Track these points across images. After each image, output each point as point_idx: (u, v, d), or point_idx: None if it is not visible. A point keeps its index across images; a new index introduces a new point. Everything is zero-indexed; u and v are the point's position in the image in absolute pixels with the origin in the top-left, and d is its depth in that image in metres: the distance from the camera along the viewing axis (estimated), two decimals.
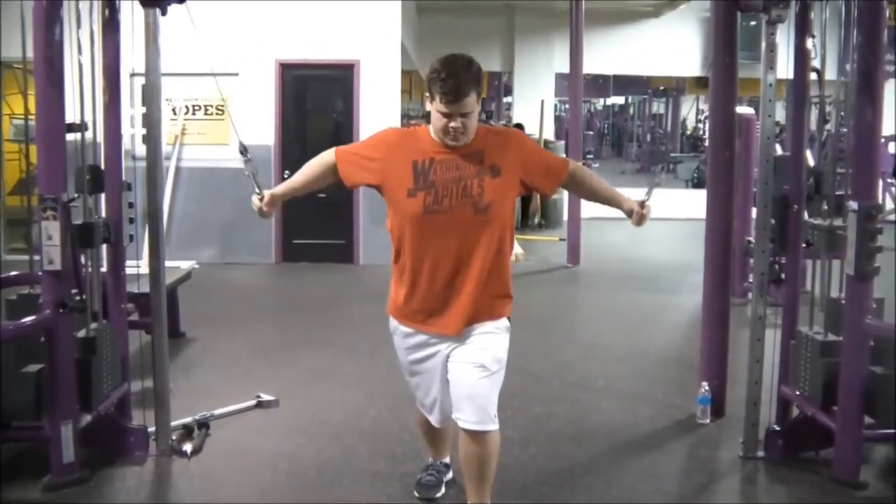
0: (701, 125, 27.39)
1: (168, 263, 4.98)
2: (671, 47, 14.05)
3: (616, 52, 13.92)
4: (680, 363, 6.18)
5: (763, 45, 4.23)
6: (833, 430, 4.16)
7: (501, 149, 3.25)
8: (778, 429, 4.46)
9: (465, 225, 3.19)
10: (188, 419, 4.63)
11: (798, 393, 4.44)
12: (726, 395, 5.02)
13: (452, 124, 3.09)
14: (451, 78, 3.04)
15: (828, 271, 4.39)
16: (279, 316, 7.75)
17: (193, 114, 9.77)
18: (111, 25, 4.19)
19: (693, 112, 27.18)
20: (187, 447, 4.33)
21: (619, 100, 29.68)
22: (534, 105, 14.08)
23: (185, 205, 9.65)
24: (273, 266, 9.92)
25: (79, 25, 3.96)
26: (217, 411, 4.86)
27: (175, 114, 9.65)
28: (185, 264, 6.89)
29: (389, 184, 3.22)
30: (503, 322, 3.35)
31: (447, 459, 3.95)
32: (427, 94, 3.20)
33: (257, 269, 9.70)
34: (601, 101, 29.27)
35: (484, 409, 3.24)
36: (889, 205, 11.71)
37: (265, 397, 5.12)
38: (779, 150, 9.62)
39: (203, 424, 4.61)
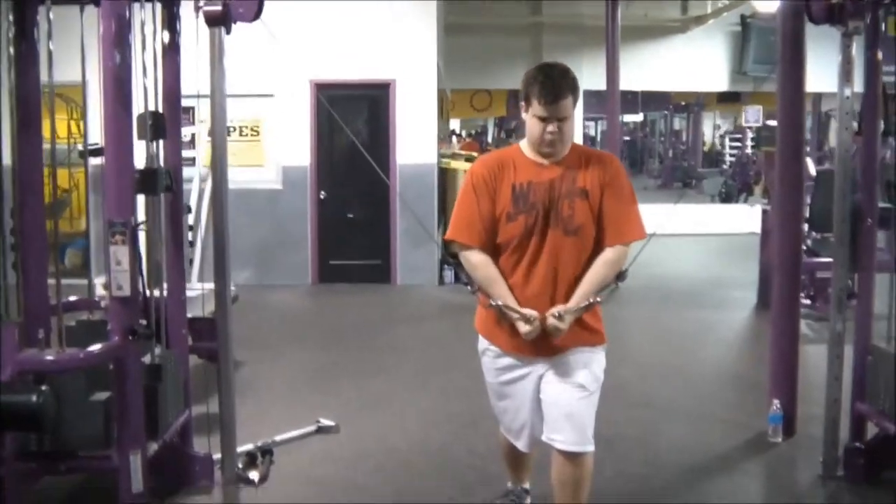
0: (718, 141, 27.33)
1: (209, 286, 4.90)
2: (698, 62, 13.99)
3: (643, 68, 13.83)
4: (739, 381, 6.07)
5: (840, 57, 4.13)
6: None
7: (595, 172, 3.19)
8: (858, 447, 4.34)
9: (557, 247, 3.15)
10: (250, 446, 4.53)
11: (878, 410, 4.32)
12: (797, 413, 4.90)
13: (550, 128, 3.07)
14: (549, 80, 3.06)
15: None
16: (323, 339, 7.65)
17: (229, 135, 9.71)
18: (172, 47, 4.14)
19: (714, 128, 27.13)
20: (254, 475, 4.22)
21: (637, 117, 29.64)
22: None
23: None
24: (310, 287, 9.85)
25: (143, 47, 3.90)
26: (278, 437, 4.77)
27: (211, 135, 9.61)
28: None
29: (497, 209, 3.20)
30: (599, 343, 3.29)
31: (527, 485, 3.85)
32: (522, 102, 3.18)
33: (294, 290, 9.63)
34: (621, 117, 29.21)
35: (583, 429, 3.18)
36: None
37: (325, 423, 5.03)
38: (810, 165, 9.60)
39: (266, 451, 4.50)
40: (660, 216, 4.31)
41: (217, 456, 4.25)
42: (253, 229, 9.52)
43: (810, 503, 4.16)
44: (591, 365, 3.24)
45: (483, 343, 3.38)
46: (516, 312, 3.13)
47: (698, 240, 12.02)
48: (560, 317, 3.10)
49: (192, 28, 3.96)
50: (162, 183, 3.98)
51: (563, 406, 3.19)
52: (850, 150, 4.23)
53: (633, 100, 20.47)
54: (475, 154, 11.81)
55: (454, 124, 19.98)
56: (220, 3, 3.87)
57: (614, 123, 10.31)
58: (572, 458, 3.19)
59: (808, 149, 9.37)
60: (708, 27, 13.59)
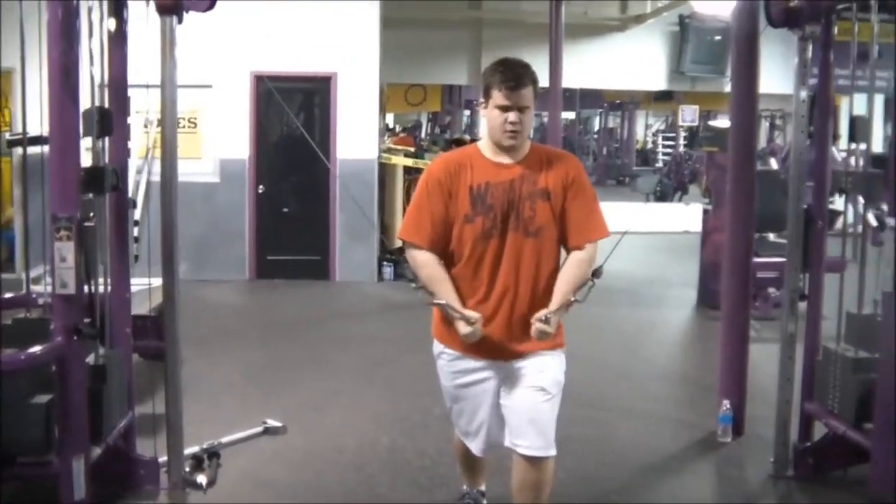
0: (651, 139, 27.71)
1: (138, 281, 4.75)
2: (637, 61, 14.09)
3: (583, 65, 13.88)
4: (686, 380, 6.12)
5: (796, 60, 4.16)
6: (866, 448, 4.10)
7: (555, 172, 3.16)
8: (808, 447, 4.40)
9: (519, 248, 3.12)
10: (196, 448, 4.39)
11: (827, 410, 4.38)
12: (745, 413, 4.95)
13: (511, 117, 3.04)
14: (510, 70, 3.05)
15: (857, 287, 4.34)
16: (264, 336, 7.49)
17: None
18: (119, 35, 3.98)
19: (645, 127, 27.51)
20: (201, 479, 4.08)
21: (571, 114, 29.91)
22: None
23: (155, 219, 9.32)
24: (248, 283, 9.65)
25: (90, 35, 3.73)
26: (224, 439, 4.64)
27: (146, 126, 9.35)
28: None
29: (451, 211, 3.15)
30: (559, 346, 3.25)
31: (483, 487, 3.80)
32: (482, 99, 3.16)
33: (232, 286, 9.42)
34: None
35: (546, 434, 3.15)
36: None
37: (272, 423, 4.91)
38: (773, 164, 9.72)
39: (213, 454, 4.36)
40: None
41: (163, 459, 4.12)
42: (189, 223, 9.20)
43: (762, 503, 4.19)
44: (551, 368, 3.20)
45: (438, 346, 3.32)
46: (458, 313, 3.09)
47: (635, 238, 12.10)
48: (546, 320, 3.06)
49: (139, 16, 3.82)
50: (108, 182, 3.83)
51: (526, 411, 3.15)
52: (804, 151, 4.26)
53: (571, 97, 20.64)
54: (411, 149, 11.74)
55: (387, 119, 19.84)
56: None
57: (556, 120, 10.35)
58: (535, 462, 3.16)
59: None
60: (647, 26, 13.71)
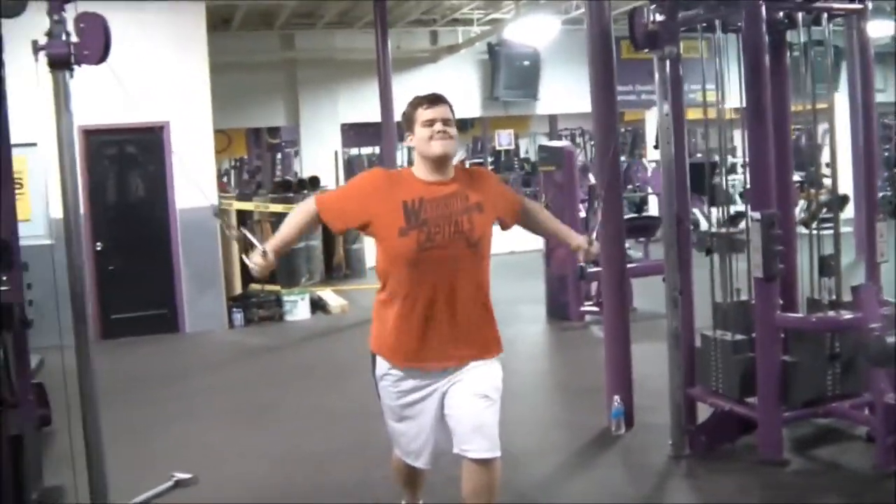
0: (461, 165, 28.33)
1: None
2: (451, 90, 14.43)
3: (397, 99, 14.19)
4: (563, 387, 6.45)
5: (657, 78, 4.58)
6: (752, 418, 4.55)
7: (479, 185, 3.40)
8: (700, 426, 4.81)
9: (458, 260, 3.28)
10: None
11: (711, 391, 4.80)
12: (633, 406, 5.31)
13: (438, 127, 3.26)
14: (428, 93, 3.37)
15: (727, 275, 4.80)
16: (132, 396, 7.18)
17: None
18: None
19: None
20: None
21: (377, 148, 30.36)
22: (323, 157, 14.08)
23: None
24: (94, 345, 9.16)
25: None
26: (135, 500, 4.50)
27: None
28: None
29: (378, 224, 3.27)
30: (495, 352, 3.46)
31: (422, 502, 3.92)
32: (408, 132, 3.37)
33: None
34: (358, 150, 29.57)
35: (492, 437, 3.32)
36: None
37: (182, 476, 4.80)
38: (591, 178, 10.30)
39: None
40: None
41: None
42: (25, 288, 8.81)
43: (672, 480, 4.55)
44: (491, 376, 3.39)
45: (383, 367, 3.40)
46: (257, 246, 3.24)
47: None
48: (592, 242, 3.58)
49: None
50: (18, 318, 3.72)
51: (472, 417, 3.31)
52: (671, 161, 4.68)
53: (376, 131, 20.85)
54: (230, 193, 11.55)
55: None
56: (66, 44, 3.66)
57: (390, 152, 10.58)
58: (485, 464, 3.31)
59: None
60: (459, 56, 14.21)
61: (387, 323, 3.35)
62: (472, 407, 3.31)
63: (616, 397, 5.19)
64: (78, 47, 3.70)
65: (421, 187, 3.29)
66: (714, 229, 5.09)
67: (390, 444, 3.62)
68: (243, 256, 3.26)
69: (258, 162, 23.95)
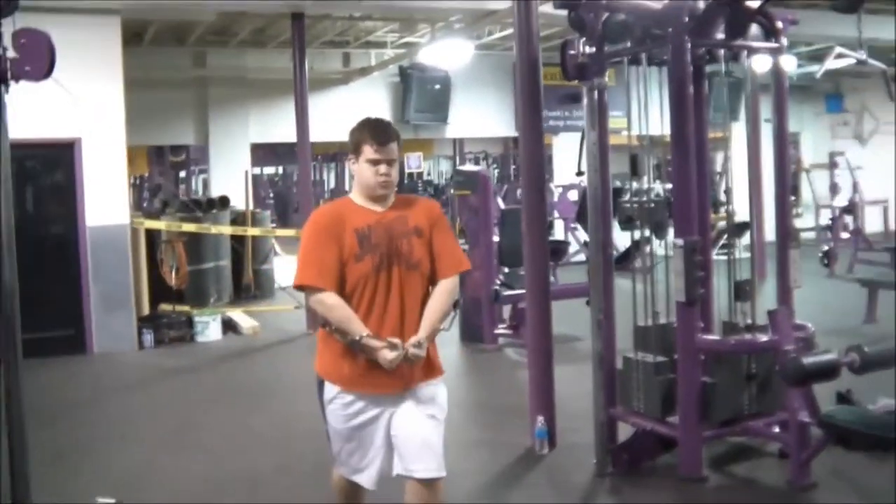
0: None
1: None
2: (362, 112, 14.46)
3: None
4: (484, 407, 6.55)
5: (585, 105, 4.76)
6: (673, 437, 4.74)
7: (419, 213, 3.51)
8: (623, 444, 4.97)
9: (403, 281, 3.40)
10: None
11: (633, 411, 4.97)
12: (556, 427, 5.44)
13: (382, 170, 3.36)
14: (379, 126, 3.44)
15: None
16: (47, 419, 6.88)
17: None
18: None
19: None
20: None
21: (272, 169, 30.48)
22: (233, 176, 13.90)
23: None
24: None
25: None
26: None
27: None
28: None
29: (343, 254, 3.36)
30: (440, 374, 3.55)
31: None
32: (351, 155, 3.46)
33: None
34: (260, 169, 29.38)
35: (439, 456, 3.41)
36: (574, 246, 13.03)
37: (106, 500, 4.71)
38: (500, 203, 10.50)
39: None
40: None
41: None
42: None
43: (599, 497, 4.69)
44: (438, 397, 3.50)
45: (331, 391, 3.44)
46: (381, 342, 3.29)
47: None
48: (419, 345, 3.35)
49: None
50: None
51: (420, 437, 3.39)
52: (598, 187, 4.85)
53: (284, 153, 20.71)
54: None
55: None
56: (1, 59, 3.60)
57: (306, 173, 10.58)
58: (430, 484, 3.38)
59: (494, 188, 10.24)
60: (370, 78, 14.29)
61: (335, 347, 3.41)
62: (421, 428, 3.40)
63: (540, 417, 5.32)
64: (17, 63, 3.62)
65: (365, 214, 3.41)
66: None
67: (319, 465, 3.64)
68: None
69: (160, 179, 23.58)
